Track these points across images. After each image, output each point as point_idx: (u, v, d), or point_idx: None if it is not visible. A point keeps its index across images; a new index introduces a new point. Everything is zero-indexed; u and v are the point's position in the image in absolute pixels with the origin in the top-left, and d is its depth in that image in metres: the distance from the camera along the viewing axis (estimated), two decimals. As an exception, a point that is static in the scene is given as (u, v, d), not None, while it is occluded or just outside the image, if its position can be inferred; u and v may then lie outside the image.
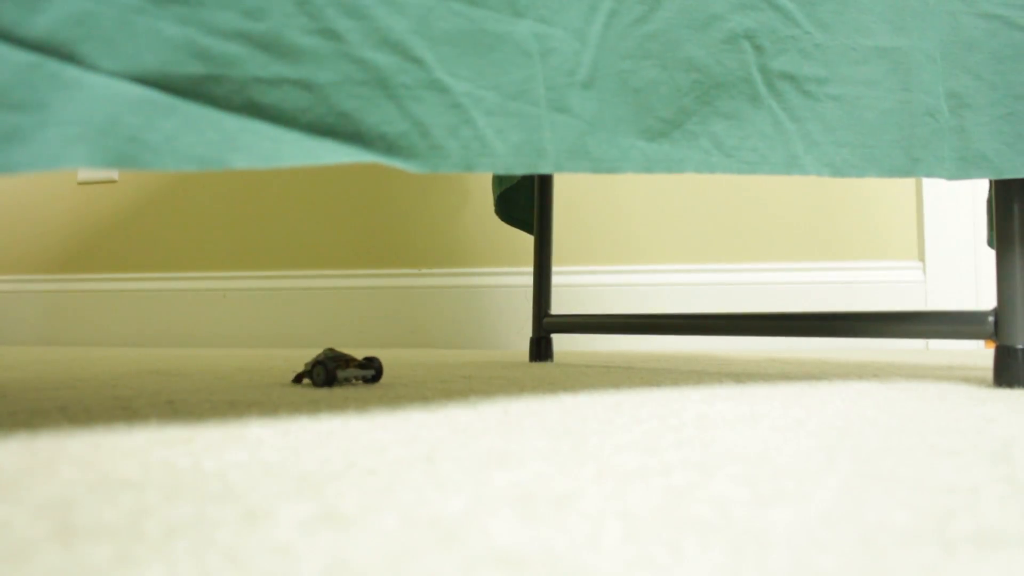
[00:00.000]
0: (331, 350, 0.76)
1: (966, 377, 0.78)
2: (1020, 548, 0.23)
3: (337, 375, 0.73)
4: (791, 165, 0.60)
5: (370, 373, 0.76)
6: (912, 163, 0.62)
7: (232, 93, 0.41)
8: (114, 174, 2.04)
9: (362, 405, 0.57)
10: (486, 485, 0.31)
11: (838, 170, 0.61)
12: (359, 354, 1.38)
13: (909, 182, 1.61)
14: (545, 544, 0.24)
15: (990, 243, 0.89)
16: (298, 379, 0.77)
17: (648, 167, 0.56)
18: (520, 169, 0.49)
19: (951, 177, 0.63)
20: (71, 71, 0.38)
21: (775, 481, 0.32)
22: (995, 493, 0.30)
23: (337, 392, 0.67)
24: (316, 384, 0.74)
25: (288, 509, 0.28)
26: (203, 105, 0.40)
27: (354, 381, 0.76)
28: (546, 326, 1.18)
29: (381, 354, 1.41)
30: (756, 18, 0.58)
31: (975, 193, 1.56)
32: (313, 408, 0.56)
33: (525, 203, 1.29)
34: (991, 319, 0.68)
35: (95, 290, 2.01)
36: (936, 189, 1.58)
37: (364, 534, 0.25)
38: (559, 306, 1.67)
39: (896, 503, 0.28)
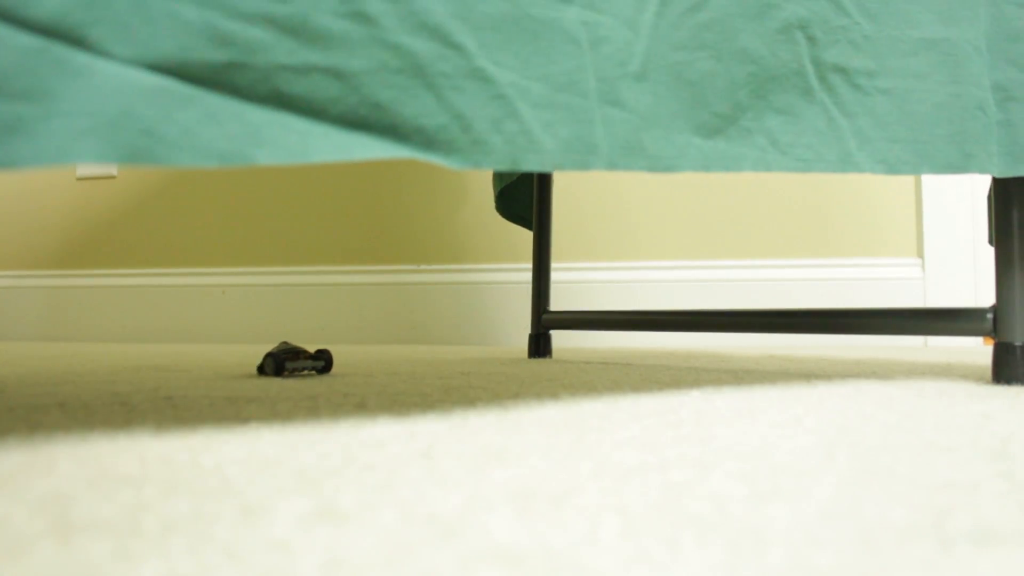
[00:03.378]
0: (285, 343, 0.81)
1: (965, 374, 0.78)
2: (1018, 545, 0.23)
3: (286, 366, 0.78)
4: (845, 162, 0.58)
5: (320, 364, 0.81)
6: (965, 159, 0.61)
7: (256, 82, 0.39)
8: (113, 169, 2.04)
9: (361, 401, 0.57)
10: (484, 481, 0.31)
11: (892, 167, 0.59)
12: (359, 351, 1.39)
13: (908, 179, 1.61)
14: (543, 540, 0.24)
15: (991, 241, 0.89)
16: (261, 368, 0.82)
17: (706, 165, 0.53)
18: (570, 166, 0.46)
19: (1000, 173, 0.62)
20: (80, 57, 0.35)
21: (773, 478, 0.32)
22: (993, 490, 0.30)
23: (336, 388, 0.67)
24: (267, 374, 0.78)
25: (286, 505, 0.28)
26: (225, 95, 0.38)
27: (305, 372, 0.81)
28: (545, 322, 1.18)
29: (380, 350, 1.41)
30: (809, 7, 0.57)
31: (974, 190, 1.56)
32: (311, 404, 0.55)
33: (526, 200, 1.29)
34: (990, 316, 0.68)
35: (94, 286, 2.01)
36: (935, 186, 1.58)
37: (362, 530, 0.25)
38: (558, 302, 1.67)
39: (894, 500, 0.28)
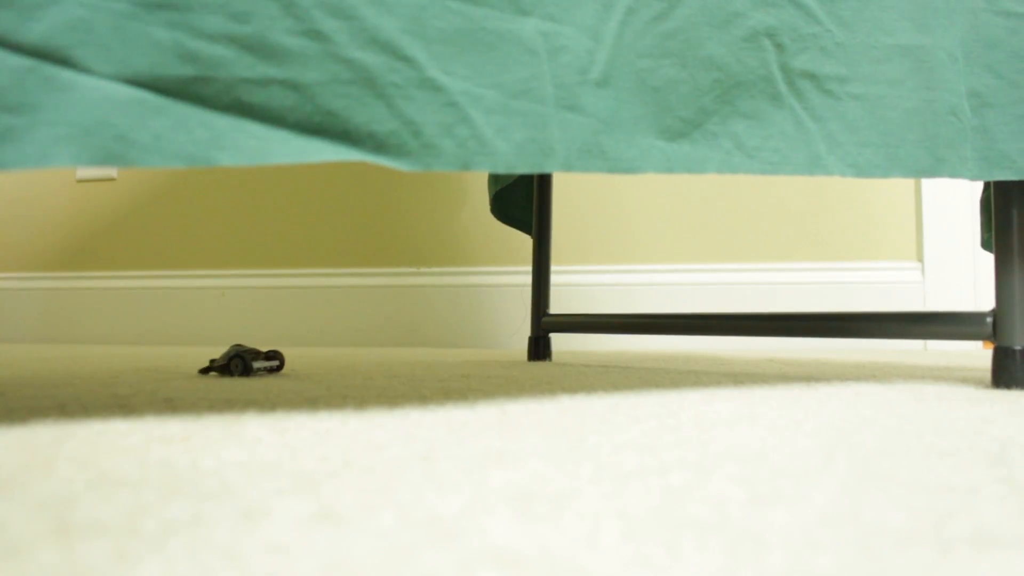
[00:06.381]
0: (240, 345, 0.87)
1: (964, 378, 0.78)
2: (1017, 549, 0.23)
3: (252, 366, 0.84)
4: (814, 165, 0.59)
5: (275, 364, 0.88)
6: (937, 163, 0.62)
7: (220, 93, 0.42)
8: (113, 172, 2.04)
9: (360, 404, 0.57)
10: (484, 484, 0.31)
11: (862, 170, 0.60)
12: (358, 353, 1.39)
13: (908, 182, 1.61)
14: (542, 543, 0.24)
15: (984, 245, 0.89)
16: (205, 371, 0.86)
17: (669, 167, 0.55)
18: (524, 168, 0.49)
19: (974, 177, 0.63)
20: (66, 74, 0.39)
21: (773, 481, 0.32)
22: (993, 494, 0.30)
23: (335, 390, 0.67)
24: (234, 375, 0.84)
25: (286, 507, 0.28)
26: (192, 105, 0.42)
27: (263, 372, 0.87)
28: (544, 325, 1.18)
29: (379, 353, 1.41)
30: (777, 15, 0.58)
31: (974, 194, 1.56)
32: (311, 406, 0.55)
33: (522, 203, 1.29)
34: (989, 320, 0.68)
35: (93, 288, 2.01)
36: (935, 189, 1.58)
37: (361, 533, 0.25)
38: (557, 305, 1.67)
39: (893, 504, 0.28)
